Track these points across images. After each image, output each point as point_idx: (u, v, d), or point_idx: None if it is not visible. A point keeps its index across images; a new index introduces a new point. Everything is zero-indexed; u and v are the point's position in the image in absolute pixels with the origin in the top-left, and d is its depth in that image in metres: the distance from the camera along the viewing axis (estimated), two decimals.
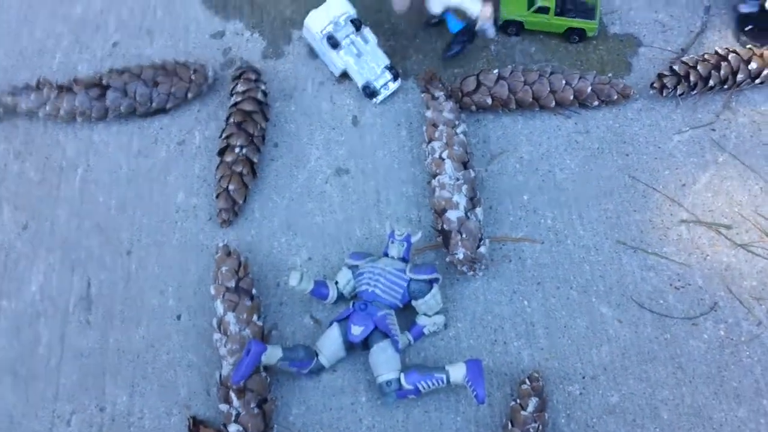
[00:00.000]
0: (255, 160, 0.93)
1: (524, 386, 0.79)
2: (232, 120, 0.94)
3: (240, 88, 0.96)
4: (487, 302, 0.87)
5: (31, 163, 0.96)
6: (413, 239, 0.85)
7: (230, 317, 0.82)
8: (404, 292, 0.83)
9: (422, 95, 0.97)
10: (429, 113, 0.94)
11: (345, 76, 1.00)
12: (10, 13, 1.07)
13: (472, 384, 0.76)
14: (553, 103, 0.96)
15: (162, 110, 0.98)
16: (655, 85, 0.96)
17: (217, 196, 0.91)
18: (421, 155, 0.95)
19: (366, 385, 0.82)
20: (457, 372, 0.78)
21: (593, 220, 0.91)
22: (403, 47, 1.02)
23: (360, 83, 0.98)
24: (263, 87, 0.97)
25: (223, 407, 0.78)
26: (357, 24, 0.97)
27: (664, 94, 0.96)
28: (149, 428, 0.81)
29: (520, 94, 0.95)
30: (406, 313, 0.84)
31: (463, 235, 0.85)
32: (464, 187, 0.88)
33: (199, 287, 0.88)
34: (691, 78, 0.95)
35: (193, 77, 0.97)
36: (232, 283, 0.84)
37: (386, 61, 0.99)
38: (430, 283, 0.83)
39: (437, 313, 0.84)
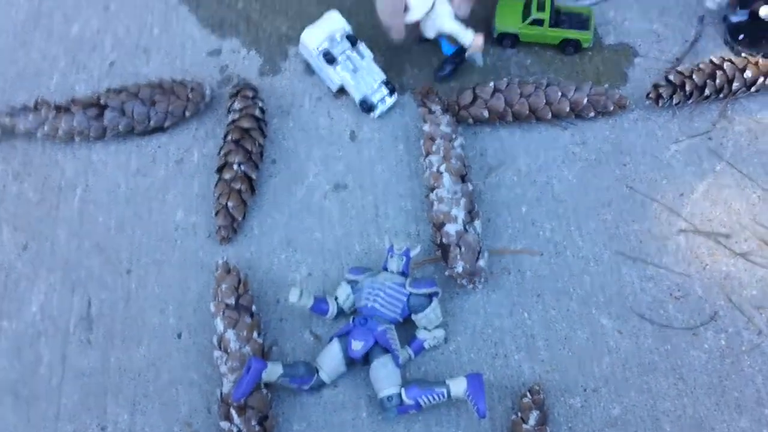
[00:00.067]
0: (253, 176, 0.93)
1: (525, 399, 0.79)
2: (230, 137, 0.94)
3: (237, 105, 0.96)
4: (487, 315, 0.87)
5: (30, 184, 0.96)
6: (412, 253, 0.85)
7: (230, 334, 0.82)
8: (404, 307, 0.83)
9: (419, 109, 0.97)
10: (426, 127, 0.94)
11: (342, 91, 1.01)
12: (7, 36, 1.08)
13: (473, 398, 0.76)
14: (550, 115, 0.96)
15: (160, 129, 0.99)
16: (650, 95, 0.97)
17: (216, 214, 0.91)
18: (419, 169, 0.95)
19: (367, 400, 0.82)
20: (458, 386, 0.77)
21: (592, 231, 0.91)
22: (399, 62, 1.02)
23: (357, 98, 0.99)
24: (261, 104, 0.98)
25: (224, 425, 0.78)
26: (353, 40, 0.98)
27: (660, 104, 0.96)
28: None
29: (517, 107, 0.96)
30: (406, 327, 0.84)
31: (462, 249, 0.85)
32: (462, 201, 0.88)
33: (199, 305, 0.88)
34: (687, 87, 0.95)
35: (190, 95, 0.97)
36: (232, 300, 0.84)
37: (382, 76, 0.99)
38: (430, 296, 0.83)
39: (437, 327, 0.84)
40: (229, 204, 0.90)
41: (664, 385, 0.82)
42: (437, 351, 0.85)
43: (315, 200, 0.95)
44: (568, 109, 0.96)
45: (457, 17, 0.94)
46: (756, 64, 0.96)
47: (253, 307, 0.85)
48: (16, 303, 0.89)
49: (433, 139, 0.93)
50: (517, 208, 0.93)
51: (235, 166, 0.92)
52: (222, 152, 0.94)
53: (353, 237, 0.92)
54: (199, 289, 0.89)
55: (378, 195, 0.95)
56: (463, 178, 0.90)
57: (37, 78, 1.04)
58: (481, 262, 0.86)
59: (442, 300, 0.85)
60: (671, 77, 0.97)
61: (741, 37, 1.02)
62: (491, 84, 0.97)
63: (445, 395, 0.78)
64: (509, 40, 1.03)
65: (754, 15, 1.01)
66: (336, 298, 0.85)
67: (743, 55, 0.98)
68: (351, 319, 0.83)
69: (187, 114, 0.98)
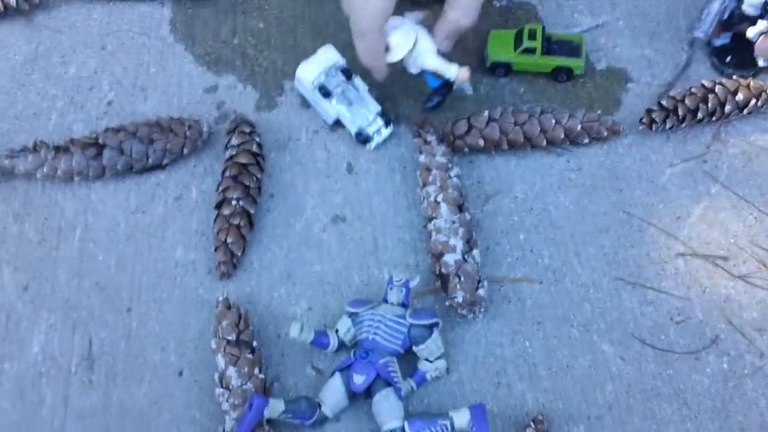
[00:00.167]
0: (252, 211, 0.93)
1: (529, 429, 0.79)
2: (228, 173, 0.95)
3: (235, 141, 0.97)
4: (489, 344, 0.87)
5: (30, 224, 0.97)
6: (412, 284, 0.86)
7: (232, 371, 0.82)
8: (405, 338, 0.83)
9: (415, 140, 0.98)
10: (422, 158, 0.95)
11: (338, 124, 1.02)
12: (5, 78, 1.09)
13: (476, 429, 0.76)
14: (545, 142, 0.97)
15: (158, 166, 0.99)
16: (644, 120, 0.97)
17: (215, 250, 0.91)
18: (417, 199, 0.96)
19: None
20: (461, 418, 0.77)
21: (590, 257, 0.91)
22: (393, 94, 1.03)
23: (353, 131, 0.99)
24: (258, 139, 0.98)
25: None
26: (348, 73, 0.99)
27: (654, 129, 0.97)
28: None
29: (512, 135, 0.96)
30: (408, 359, 0.84)
31: (462, 278, 0.85)
32: (460, 230, 0.88)
33: (199, 342, 0.88)
34: (680, 112, 0.96)
35: (188, 133, 0.98)
36: (232, 337, 0.84)
37: (378, 108, 1.00)
38: (431, 327, 0.83)
39: (439, 357, 0.84)
40: (229, 239, 0.91)
41: (668, 411, 0.81)
42: (439, 382, 0.85)
43: (313, 233, 0.95)
44: (562, 136, 0.97)
45: (439, 52, 0.94)
46: (748, 86, 0.97)
47: (254, 343, 0.85)
48: (18, 344, 0.89)
49: (429, 170, 0.93)
50: (515, 235, 0.93)
51: (234, 202, 0.93)
52: (220, 188, 0.94)
53: (352, 269, 0.92)
54: (200, 325, 0.89)
55: (376, 226, 0.95)
56: (461, 208, 0.91)
57: (35, 119, 1.05)
58: (481, 292, 0.86)
59: (443, 330, 0.85)
60: (664, 102, 0.97)
61: (728, 59, 1.03)
62: (486, 113, 0.97)
63: (449, 427, 0.77)
64: (502, 69, 1.04)
65: (736, 37, 1.02)
66: (337, 332, 0.85)
67: (734, 77, 0.99)
68: (352, 353, 0.83)
69: (185, 151, 0.99)
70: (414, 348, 0.83)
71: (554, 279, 0.90)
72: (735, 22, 1.00)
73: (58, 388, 0.86)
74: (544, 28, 1.02)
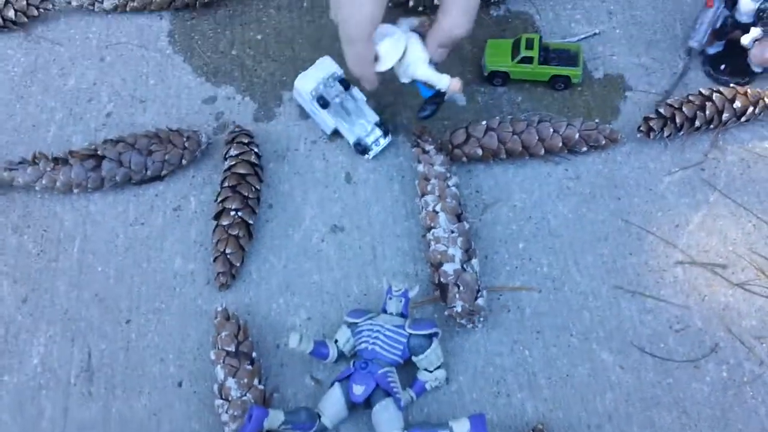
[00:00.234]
0: (251, 222, 0.94)
1: None
2: (226, 184, 0.95)
3: (233, 151, 0.97)
4: (488, 354, 0.87)
5: (29, 236, 0.97)
6: (411, 294, 0.86)
7: (231, 382, 0.82)
8: (404, 348, 0.83)
9: (413, 150, 0.98)
10: (420, 167, 0.95)
11: (336, 134, 1.02)
12: (3, 91, 1.09)
13: None
14: (543, 151, 0.97)
15: (157, 177, 0.99)
16: (641, 128, 0.98)
17: (214, 260, 0.91)
18: (415, 209, 0.96)
19: None
20: (461, 428, 0.77)
21: (589, 266, 0.91)
22: (391, 103, 1.04)
23: (351, 140, 1.00)
24: (256, 149, 0.99)
25: None
26: (345, 84, 0.99)
27: (652, 137, 0.97)
28: None
29: (510, 144, 0.96)
30: (407, 369, 0.84)
31: (461, 288, 0.85)
32: (459, 240, 0.88)
33: (199, 353, 0.88)
34: (677, 119, 0.96)
35: (186, 144, 0.98)
36: (232, 348, 0.84)
37: (376, 118, 1.00)
38: (430, 337, 0.83)
39: (438, 367, 0.84)
40: (227, 250, 0.91)
41: (668, 420, 0.81)
42: (439, 392, 0.85)
43: (312, 243, 0.95)
44: (560, 145, 0.97)
45: (432, 62, 0.92)
46: (745, 94, 0.98)
47: (254, 354, 0.85)
48: (17, 356, 0.89)
49: (427, 179, 0.94)
50: (514, 244, 0.94)
51: (233, 212, 0.93)
52: (219, 199, 0.94)
53: (351, 279, 0.92)
54: (199, 336, 0.89)
55: (375, 236, 0.95)
56: (459, 217, 0.91)
57: (34, 131, 1.05)
58: (480, 301, 0.86)
59: (442, 340, 0.85)
60: (661, 110, 0.98)
61: (722, 67, 1.03)
62: (484, 122, 0.98)
63: None
64: (500, 78, 1.05)
65: (729, 45, 1.03)
66: (336, 342, 0.85)
67: (732, 85, 0.99)
68: (351, 363, 0.83)
69: (184, 162, 0.99)
70: (413, 358, 0.83)
71: (553, 287, 0.90)
72: (728, 30, 1.01)
73: (57, 400, 0.86)
74: (541, 38, 1.03)
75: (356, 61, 0.91)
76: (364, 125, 0.99)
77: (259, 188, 0.96)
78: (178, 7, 1.16)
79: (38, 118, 1.06)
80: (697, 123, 0.97)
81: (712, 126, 0.98)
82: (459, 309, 0.85)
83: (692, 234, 0.93)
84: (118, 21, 1.16)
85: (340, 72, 0.99)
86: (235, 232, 0.91)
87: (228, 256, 0.91)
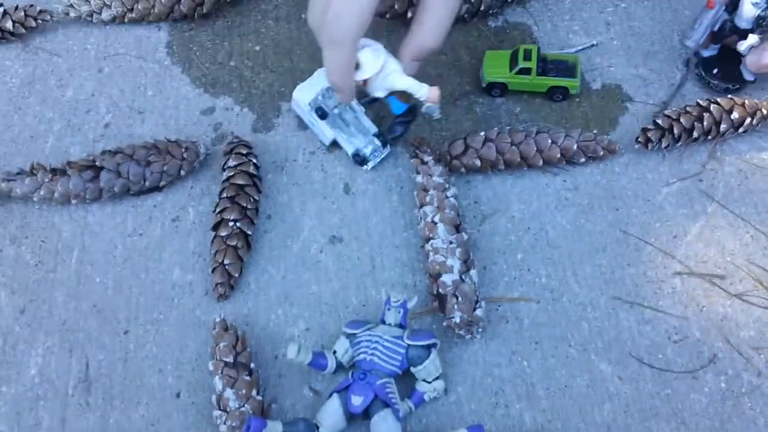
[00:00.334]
0: (249, 232, 0.94)
1: None
2: (225, 194, 0.95)
3: (232, 162, 0.97)
4: (486, 365, 0.86)
5: (27, 247, 0.97)
6: (409, 305, 0.85)
7: (229, 393, 0.82)
8: (403, 359, 0.83)
9: (411, 160, 0.98)
10: (419, 178, 0.95)
11: (335, 144, 1.02)
12: (1, 102, 1.09)
13: None
14: (541, 162, 0.97)
15: (156, 188, 0.99)
16: (639, 139, 0.98)
17: (212, 271, 0.91)
18: (414, 219, 0.96)
19: None
20: None
21: (588, 277, 0.91)
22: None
23: (350, 151, 1.00)
24: (255, 160, 0.99)
25: None
26: None
27: (650, 148, 0.98)
28: None
29: (508, 155, 0.97)
30: (406, 380, 0.84)
31: (459, 299, 0.85)
32: (458, 250, 0.88)
33: (197, 363, 0.88)
34: (675, 131, 0.97)
35: (185, 154, 0.98)
36: (230, 358, 0.84)
37: (374, 129, 1.00)
38: (429, 348, 0.83)
39: (437, 378, 0.84)
40: (226, 261, 0.91)
41: (666, 431, 0.81)
42: (438, 403, 0.84)
43: (311, 254, 0.95)
44: (558, 156, 0.97)
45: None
46: (743, 105, 0.98)
47: (252, 365, 0.85)
48: (15, 367, 0.89)
49: (426, 190, 0.94)
50: (513, 255, 0.94)
51: (231, 223, 0.93)
52: (217, 210, 0.94)
53: (350, 290, 0.92)
54: (197, 347, 0.89)
55: (374, 247, 0.95)
56: (458, 228, 0.91)
57: (32, 142, 1.05)
58: (479, 312, 0.86)
59: (441, 351, 0.85)
60: (659, 121, 0.98)
61: (715, 71, 1.04)
62: (482, 133, 0.98)
63: None
64: (498, 89, 1.05)
65: (723, 49, 1.03)
66: (334, 353, 0.85)
67: (729, 97, 0.99)
68: (350, 374, 0.82)
69: (183, 173, 0.99)
70: (412, 369, 0.83)
71: (552, 298, 0.90)
72: (726, 34, 1.00)
73: (55, 411, 0.86)
74: (539, 49, 1.03)
75: (339, 67, 0.88)
76: (363, 136, 0.99)
77: (257, 199, 0.96)
78: (177, 19, 1.16)
79: (36, 129, 1.06)
80: (695, 134, 0.97)
81: (710, 137, 0.98)
82: (457, 320, 0.85)
83: (690, 245, 0.93)
84: (116, 32, 1.16)
85: None
86: (233, 243, 0.91)
87: (226, 267, 0.91)
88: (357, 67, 0.90)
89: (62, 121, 1.07)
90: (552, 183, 0.98)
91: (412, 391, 0.83)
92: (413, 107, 0.97)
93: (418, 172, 0.96)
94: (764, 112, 0.98)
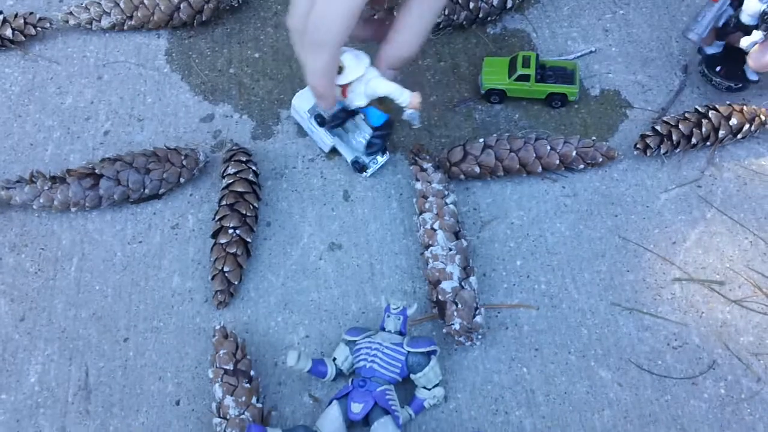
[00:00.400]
0: (249, 240, 0.94)
1: None
2: (224, 202, 0.95)
3: (231, 169, 0.98)
4: (486, 371, 0.86)
5: (27, 255, 0.97)
6: (409, 312, 0.85)
7: (229, 401, 0.82)
8: (403, 366, 0.83)
9: (411, 167, 0.98)
10: (418, 185, 0.96)
11: (334, 151, 1.02)
12: (1, 109, 1.10)
13: None
14: (540, 168, 0.97)
15: (155, 196, 1.00)
16: (638, 145, 0.98)
17: (212, 278, 0.91)
18: (413, 226, 0.96)
19: None
20: None
21: (587, 283, 0.91)
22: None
23: (349, 158, 1.00)
24: (254, 167, 0.99)
25: None
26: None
27: (649, 154, 0.98)
28: None
29: (507, 162, 0.97)
30: (406, 387, 0.84)
31: (459, 305, 0.85)
32: (457, 257, 0.88)
33: (197, 371, 0.88)
34: (674, 137, 0.97)
35: (184, 162, 0.99)
36: (230, 366, 0.84)
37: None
38: (428, 355, 0.83)
39: (437, 385, 0.84)
40: (225, 268, 0.91)
41: None
42: (437, 410, 0.84)
43: (310, 261, 0.95)
44: (557, 162, 0.97)
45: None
46: (741, 111, 0.98)
47: (252, 372, 0.85)
48: (15, 375, 0.89)
49: (425, 197, 0.94)
50: (512, 262, 0.94)
51: (231, 230, 0.93)
52: (217, 217, 0.94)
53: (350, 297, 0.92)
54: (197, 354, 0.89)
55: (373, 254, 0.95)
56: (457, 235, 0.91)
57: (32, 150, 1.05)
58: (478, 318, 0.86)
59: (441, 358, 0.85)
60: (658, 127, 0.98)
61: (718, 69, 1.04)
62: (481, 140, 0.98)
63: None
64: (497, 95, 1.05)
65: (727, 48, 1.03)
66: (334, 360, 0.85)
67: (728, 102, 1.00)
68: (350, 381, 0.82)
69: (182, 180, 0.99)
70: (412, 376, 0.83)
71: (551, 305, 0.90)
72: (730, 30, 0.99)
73: (55, 419, 0.86)
74: (537, 55, 1.03)
75: (321, 72, 0.84)
76: (362, 143, 0.99)
77: (257, 206, 0.97)
78: (176, 26, 1.17)
79: (36, 137, 1.07)
80: (694, 140, 0.97)
81: (708, 143, 0.98)
82: (457, 326, 0.85)
83: (689, 251, 0.93)
84: (115, 40, 1.17)
85: None
86: (233, 250, 0.91)
87: (226, 274, 0.91)
88: (339, 71, 0.88)
89: (62, 128, 1.07)
90: (551, 189, 0.99)
91: (412, 398, 0.83)
92: (391, 120, 0.95)
93: (417, 179, 0.96)
94: (762, 118, 0.98)
